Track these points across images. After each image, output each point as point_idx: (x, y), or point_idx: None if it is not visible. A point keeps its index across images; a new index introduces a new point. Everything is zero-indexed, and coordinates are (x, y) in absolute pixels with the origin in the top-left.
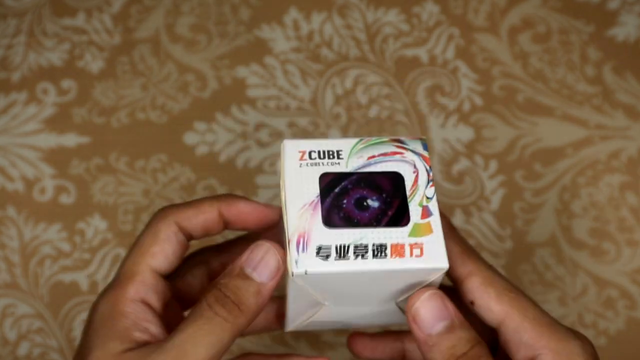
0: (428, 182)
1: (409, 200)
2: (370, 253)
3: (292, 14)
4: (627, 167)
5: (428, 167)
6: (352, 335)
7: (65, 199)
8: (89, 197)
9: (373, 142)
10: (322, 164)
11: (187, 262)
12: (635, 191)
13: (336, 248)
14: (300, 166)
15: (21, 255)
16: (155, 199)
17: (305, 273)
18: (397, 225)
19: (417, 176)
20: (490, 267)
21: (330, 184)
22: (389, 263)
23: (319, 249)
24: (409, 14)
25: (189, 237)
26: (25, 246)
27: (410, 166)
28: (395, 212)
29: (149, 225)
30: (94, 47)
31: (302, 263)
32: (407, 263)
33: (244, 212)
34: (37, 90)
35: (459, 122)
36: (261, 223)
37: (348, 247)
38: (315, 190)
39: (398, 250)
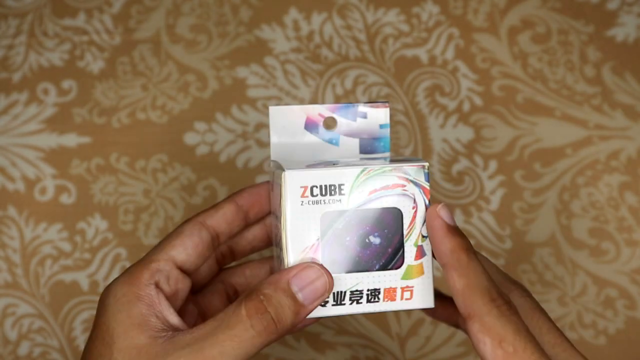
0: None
1: (405, 240)
2: (364, 298)
3: (292, 15)
4: (626, 167)
5: (427, 201)
6: None
7: (66, 199)
8: (89, 197)
9: (375, 172)
10: (324, 201)
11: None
12: (634, 191)
13: (334, 295)
14: (302, 204)
15: (22, 255)
16: (155, 199)
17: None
18: (391, 267)
19: (415, 212)
20: (493, 309)
21: (333, 219)
22: (381, 306)
23: None
24: (409, 15)
25: (215, 235)
26: (26, 246)
27: (410, 200)
28: (394, 250)
29: (175, 229)
30: (95, 47)
31: None
32: (397, 306)
33: (257, 194)
34: (38, 90)
35: (458, 122)
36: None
37: (344, 293)
38: (317, 232)
39: (390, 294)
